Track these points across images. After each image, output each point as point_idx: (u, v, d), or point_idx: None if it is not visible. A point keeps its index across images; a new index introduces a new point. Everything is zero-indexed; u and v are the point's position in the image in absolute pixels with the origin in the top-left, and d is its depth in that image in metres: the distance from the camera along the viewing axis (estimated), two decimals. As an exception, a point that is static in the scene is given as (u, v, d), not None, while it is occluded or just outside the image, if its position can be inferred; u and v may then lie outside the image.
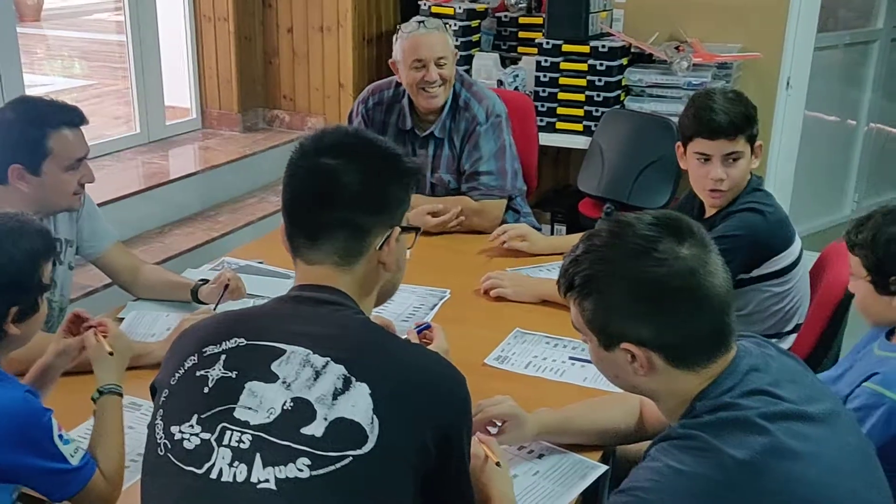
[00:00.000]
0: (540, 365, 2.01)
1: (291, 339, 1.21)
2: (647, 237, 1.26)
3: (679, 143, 2.34)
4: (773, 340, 2.34)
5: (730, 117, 2.20)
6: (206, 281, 2.25)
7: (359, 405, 1.15)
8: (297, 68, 4.57)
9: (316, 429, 1.13)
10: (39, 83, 7.04)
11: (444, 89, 2.79)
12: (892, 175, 5.21)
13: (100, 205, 3.57)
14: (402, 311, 2.26)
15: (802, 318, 2.37)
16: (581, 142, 3.90)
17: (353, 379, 1.17)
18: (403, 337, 1.78)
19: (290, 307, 1.30)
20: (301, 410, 1.15)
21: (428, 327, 1.79)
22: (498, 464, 1.46)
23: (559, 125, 3.93)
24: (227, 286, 2.16)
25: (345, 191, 1.31)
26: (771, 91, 4.13)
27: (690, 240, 1.27)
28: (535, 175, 3.36)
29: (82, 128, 2.11)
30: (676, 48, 3.84)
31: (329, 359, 1.18)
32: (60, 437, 1.44)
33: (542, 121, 3.88)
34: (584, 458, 1.66)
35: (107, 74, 6.92)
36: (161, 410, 1.23)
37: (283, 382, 1.17)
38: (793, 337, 2.39)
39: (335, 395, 1.15)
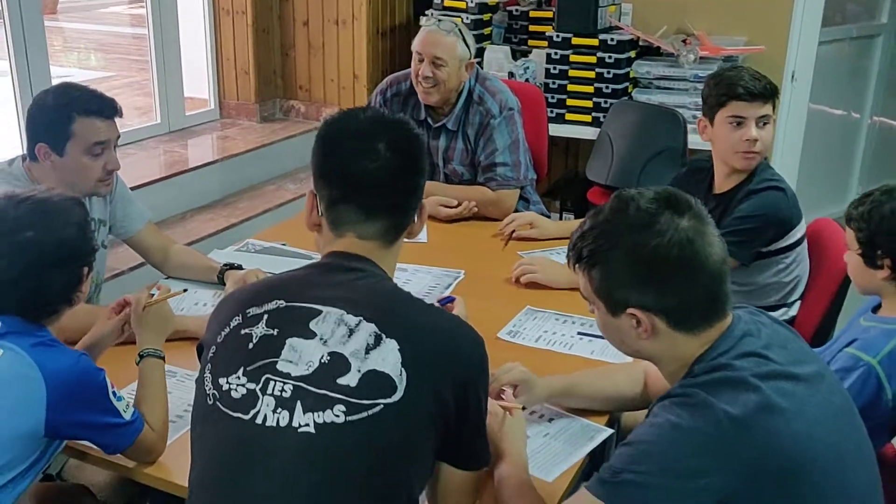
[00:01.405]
0: (550, 339, 2.13)
1: (327, 301, 1.33)
2: (648, 210, 1.37)
3: (701, 118, 2.48)
4: (783, 310, 2.48)
5: (762, 83, 2.38)
6: (231, 265, 2.37)
7: (388, 359, 1.27)
8: (313, 60, 4.69)
9: (351, 379, 1.25)
10: (59, 75, 7.16)
11: (438, 91, 2.87)
12: (895, 168, 5.31)
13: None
14: (419, 290, 2.38)
15: (803, 289, 2.50)
16: (590, 132, 4.01)
17: (384, 336, 1.29)
18: None
19: (320, 273, 1.42)
20: (337, 363, 1.27)
21: (451, 300, 1.91)
22: (524, 408, 1.59)
23: (569, 116, 4.04)
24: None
25: (402, 178, 1.44)
26: (776, 84, 4.22)
27: (689, 212, 1.38)
28: (545, 164, 3.47)
29: (116, 120, 2.20)
30: (683, 41, 3.95)
31: (362, 318, 1.30)
32: (114, 393, 1.56)
33: (552, 112, 4.00)
34: (592, 423, 1.78)
35: (123, 67, 7.06)
36: (209, 365, 1.35)
37: (321, 339, 1.29)
38: (797, 304, 2.51)
39: (367, 350, 1.27)
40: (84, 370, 1.54)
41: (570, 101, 4.02)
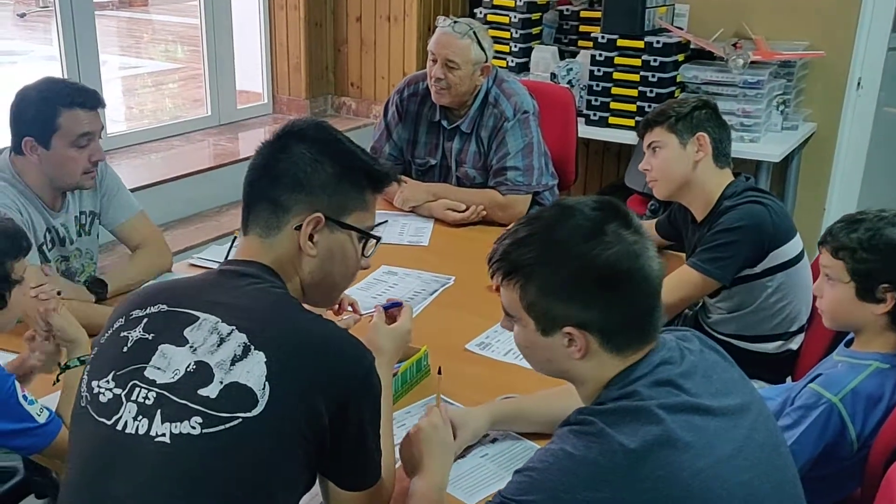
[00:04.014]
0: (519, 353, 2.03)
1: (207, 307, 1.29)
2: (594, 220, 1.28)
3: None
4: (779, 342, 2.33)
5: (653, 113, 2.38)
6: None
7: (253, 372, 1.21)
8: (365, 57, 4.68)
9: (211, 391, 1.21)
10: (134, 65, 7.39)
11: (449, 93, 2.82)
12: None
13: (161, 182, 3.79)
14: (403, 294, 2.32)
15: (805, 320, 2.32)
16: (633, 137, 3.87)
17: (252, 347, 1.23)
18: (371, 311, 1.84)
19: (216, 278, 1.38)
20: (201, 373, 1.22)
21: (398, 305, 1.83)
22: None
23: (612, 120, 3.91)
24: None
25: (277, 167, 1.38)
26: (839, 91, 4.01)
27: (635, 225, 1.29)
28: (573, 170, 3.36)
29: (102, 110, 2.23)
30: (734, 45, 3.77)
31: (235, 328, 1.26)
32: (24, 397, 1.56)
33: (595, 115, 3.89)
34: (534, 444, 1.69)
35: (198, 58, 7.22)
36: (88, 367, 1.33)
37: (191, 347, 1.25)
38: (800, 337, 2.34)
39: (233, 361, 1.22)
40: None
41: (613, 105, 3.89)
